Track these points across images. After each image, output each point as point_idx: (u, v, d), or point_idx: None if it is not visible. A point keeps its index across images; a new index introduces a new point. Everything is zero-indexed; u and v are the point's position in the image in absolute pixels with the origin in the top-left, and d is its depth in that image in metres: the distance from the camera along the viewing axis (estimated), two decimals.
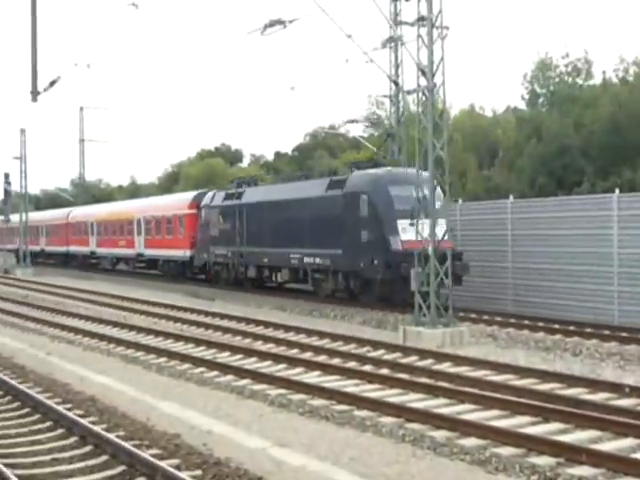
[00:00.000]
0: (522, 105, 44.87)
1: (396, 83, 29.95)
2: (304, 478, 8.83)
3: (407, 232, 22.27)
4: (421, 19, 18.76)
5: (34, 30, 21.30)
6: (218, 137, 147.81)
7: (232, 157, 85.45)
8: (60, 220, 54.41)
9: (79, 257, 51.97)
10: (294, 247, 26.89)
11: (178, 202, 38.20)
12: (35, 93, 21.77)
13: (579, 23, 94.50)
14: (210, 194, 34.58)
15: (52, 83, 21.95)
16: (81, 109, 67.28)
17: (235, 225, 31.07)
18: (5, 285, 40.86)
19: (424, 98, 19.35)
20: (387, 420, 11.21)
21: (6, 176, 55.59)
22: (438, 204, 22.07)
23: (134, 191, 79.29)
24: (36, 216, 54.32)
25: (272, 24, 20.08)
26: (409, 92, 21.60)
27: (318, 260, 25.75)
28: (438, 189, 22.52)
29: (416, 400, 12.45)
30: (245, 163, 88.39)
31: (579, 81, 40.83)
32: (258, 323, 22.05)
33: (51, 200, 79.75)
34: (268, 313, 25.01)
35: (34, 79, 21.65)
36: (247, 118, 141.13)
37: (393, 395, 12.87)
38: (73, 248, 52.02)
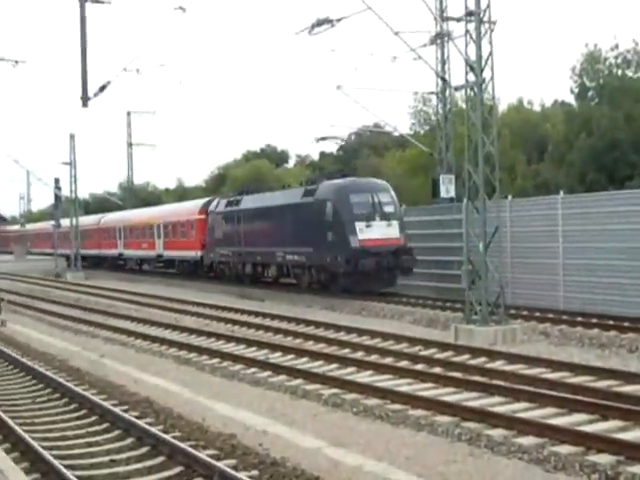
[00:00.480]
0: (571, 99, 44.33)
1: (444, 79, 29.78)
2: (361, 478, 8.79)
3: (364, 232, 26.55)
4: (469, 14, 18.59)
5: (83, 37, 21.55)
6: (264, 138, 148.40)
7: (278, 158, 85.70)
8: (93, 225, 57.57)
9: (109, 259, 55.75)
10: (279, 246, 30.82)
11: (190, 208, 42.26)
12: (85, 99, 22.02)
13: (628, 13, 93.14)
14: (215, 201, 38.58)
15: (102, 88, 22.18)
16: (128, 113, 67.62)
17: (234, 228, 34.99)
18: (57, 289, 41.41)
19: (472, 94, 19.18)
20: (442, 419, 11.14)
21: (56, 181, 56.28)
22: (392, 208, 27.58)
23: (181, 194, 79.83)
24: (68, 223, 55.99)
25: (320, 23, 20.05)
26: (457, 88, 21.42)
27: (296, 257, 29.70)
28: (393, 193, 28.11)
29: (471, 399, 12.34)
30: (291, 164, 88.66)
31: (629, 73, 40.11)
32: (308, 323, 22.06)
33: (100, 204, 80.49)
34: (318, 313, 25.01)
35: (84, 85, 21.91)
36: (293, 118, 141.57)
37: (447, 394, 12.78)
38: (104, 251, 55.84)
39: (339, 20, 20.17)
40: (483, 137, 18.84)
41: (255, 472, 8.97)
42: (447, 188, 31.18)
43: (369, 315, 24.12)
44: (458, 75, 32.31)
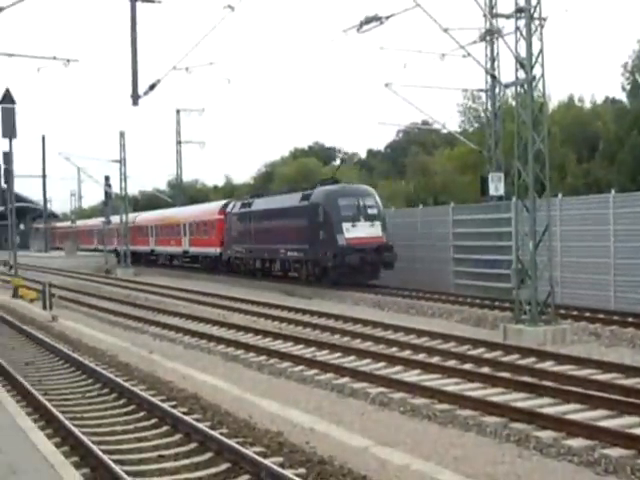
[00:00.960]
0: (622, 96, 43.70)
1: (493, 76, 29.53)
2: (408, 477, 8.75)
3: (350, 231, 30.23)
4: (519, 11, 18.39)
5: (134, 36, 21.73)
6: (311, 136, 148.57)
7: (325, 156, 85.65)
8: (129, 224, 58.50)
9: (142, 254, 58.61)
10: (282, 244, 34.66)
11: (211, 209, 46.68)
12: (135, 97, 22.20)
13: None
14: (232, 203, 43.01)
15: (152, 87, 22.30)
16: (177, 112, 67.97)
17: (246, 228, 39.19)
18: (107, 285, 41.87)
19: (523, 91, 18.99)
20: (490, 420, 11.05)
21: (106, 179, 56.88)
22: (376, 210, 31.09)
23: (230, 191, 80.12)
24: (112, 220, 59.69)
25: (368, 21, 19.94)
26: (507, 85, 21.21)
27: (295, 253, 33.73)
28: (377, 198, 31.82)
29: (520, 399, 12.23)
30: (338, 162, 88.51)
31: None
32: (356, 321, 22.01)
33: (149, 201, 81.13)
34: (365, 311, 24.98)
35: (134, 83, 22.08)
36: (341, 116, 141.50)
37: (495, 394, 12.68)
38: (138, 247, 58.35)
39: (388, 17, 20.06)
40: (533, 135, 18.64)
41: (302, 470, 8.99)
42: (496, 186, 30.94)
43: (417, 313, 24.02)
44: (508, 72, 32.06)
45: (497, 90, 32.60)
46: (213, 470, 9.29)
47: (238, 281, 38.19)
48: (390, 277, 31.58)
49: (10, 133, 31.16)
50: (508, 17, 20.37)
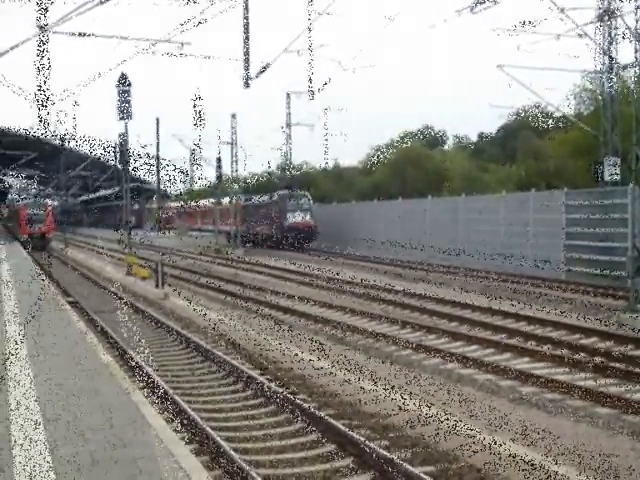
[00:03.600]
0: None
1: (611, 57, 28.59)
2: (517, 466, 8.57)
3: (292, 219, 51.16)
4: None
5: (246, 19, 21.93)
6: (421, 118, 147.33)
7: (434, 139, 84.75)
8: (182, 208, 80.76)
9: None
10: (261, 225, 55.43)
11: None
12: (247, 79, 22.42)
13: None
14: (242, 198, 61.48)
15: (263, 70, 22.51)
16: (287, 95, 68.23)
17: (246, 214, 58.78)
18: (216, 264, 42.52)
19: None
20: (603, 411, 10.78)
21: (218, 160, 57.82)
22: (308, 206, 51.83)
23: (338, 174, 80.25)
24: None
25: (482, 1, 19.58)
26: (625, 67, 20.53)
27: (266, 231, 54.45)
28: (309, 198, 52.40)
29: (633, 391, 11.89)
30: (449, 145, 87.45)
31: None
32: (464, 307, 21.75)
33: (260, 183, 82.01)
34: (472, 297, 24.61)
35: (246, 66, 22.31)
36: (451, 98, 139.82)
37: (608, 385, 12.35)
38: (193, 225, 77.62)
39: None
40: None
41: (407, 454, 8.93)
42: (611, 171, 30.01)
43: (527, 301, 23.58)
44: (627, 53, 31.04)
45: (614, 72, 31.57)
46: (318, 451, 9.32)
47: (343, 262, 38.25)
48: (498, 264, 31.10)
49: (126, 115, 31.91)
50: None
